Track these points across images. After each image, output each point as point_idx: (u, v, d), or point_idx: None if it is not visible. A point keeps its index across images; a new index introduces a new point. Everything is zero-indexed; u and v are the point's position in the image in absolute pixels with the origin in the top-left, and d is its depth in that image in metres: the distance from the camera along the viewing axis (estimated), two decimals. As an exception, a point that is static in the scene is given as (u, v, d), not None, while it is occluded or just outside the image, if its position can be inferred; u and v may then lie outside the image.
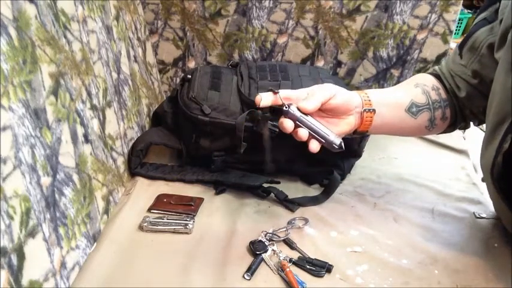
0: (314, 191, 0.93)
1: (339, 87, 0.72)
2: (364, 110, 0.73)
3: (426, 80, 0.82)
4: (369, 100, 0.73)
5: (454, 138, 1.10)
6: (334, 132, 0.69)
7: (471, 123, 0.84)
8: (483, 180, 0.79)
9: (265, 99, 0.68)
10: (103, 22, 0.87)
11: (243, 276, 0.69)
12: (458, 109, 0.81)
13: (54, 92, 0.64)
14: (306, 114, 0.67)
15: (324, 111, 0.70)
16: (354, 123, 0.73)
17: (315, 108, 0.67)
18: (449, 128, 0.84)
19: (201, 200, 0.89)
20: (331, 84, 0.72)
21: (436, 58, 1.24)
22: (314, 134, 0.68)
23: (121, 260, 0.73)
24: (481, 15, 0.75)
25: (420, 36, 1.21)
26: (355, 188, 0.95)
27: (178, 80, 1.32)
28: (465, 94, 0.77)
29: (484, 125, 0.75)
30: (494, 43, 0.69)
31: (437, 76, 0.83)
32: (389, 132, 0.82)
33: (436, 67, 0.85)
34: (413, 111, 0.78)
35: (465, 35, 0.78)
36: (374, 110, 0.73)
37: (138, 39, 1.12)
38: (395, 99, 0.78)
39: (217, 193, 0.92)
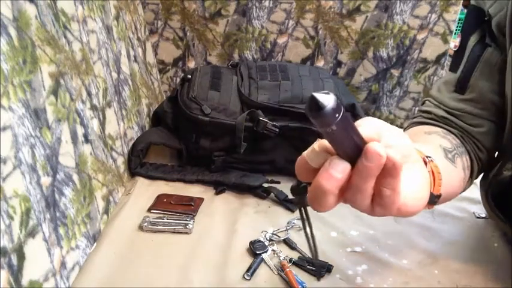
0: (314, 191, 0.93)
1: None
2: (427, 158, 0.50)
3: (427, 127, 0.69)
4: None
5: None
6: (415, 192, 0.44)
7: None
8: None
9: None
10: (103, 22, 0.86)
11: (243, 276, 0.69)
12: (474, 154, 0.68)
13: (54, 92, 0.64)
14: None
15: None
16: (429, 178, 0.48)
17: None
18: (469, 182, 0.69)
19: (201, 200, 0.89)
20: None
21: (436, 58, 1.24)
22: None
23: (121, 260, 0.73)
24: (471, 38, 0.68)
25: (420, 36, 1.21)
26: (355, 188, 0.94)
27: (178, 80, 1.32)
28: (487, 128, 0.67)
29: None
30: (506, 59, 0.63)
31: (431, 124, 0.70)
32: (447, 196, 0.58)
33: (422, 118, 0.71)
34: (450, 158, 0.60)
35: (461, 72, 0.68)
36: (432, 158, 0.51)
37: (138, 39, 1.12)
38: (430, 148, 0.56)
39: (217, 193, 0.92)
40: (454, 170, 0.60)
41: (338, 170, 0.36)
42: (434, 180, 0.49)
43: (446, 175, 0.53)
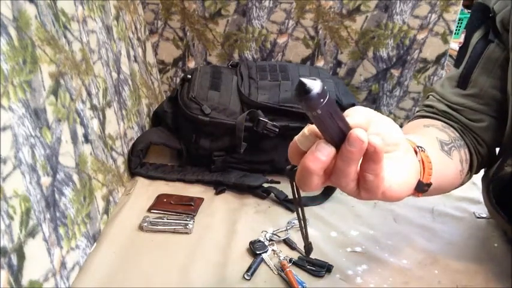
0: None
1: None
2: (418, 147, 0.50)
3: (427, 120, 0.70)
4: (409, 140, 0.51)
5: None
6: (401, 178, 0.44)
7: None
8: None
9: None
10: (103, 22, 0.86)
11: (243, 276, 0.69)
12: (474, 148, 0.69)
13: (54, 92, 0.64)
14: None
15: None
16: (418, 167, 0.48)
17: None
18: (468, 175, 0.69)
19: (201, 200, 0.89)
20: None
21: (436, 58, 1.24)
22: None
23: (121, 260, 0.73)
24: (475, 34, 0.69)
25: (420, 36, 1.21)
26: (355, 188, 0.94)
27: (178, 80, 1.32)
28: (487, 123, 0.67)
29: None
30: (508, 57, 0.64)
31: (432, 118, 0.71)
32: (441, 187, 0.60)
33: (424, 112, 0.73)
34: (446, 150, 0.61)
35: (463, 68, 0.69)
36: (423, 148, 0.51)
37: (138, 39, 1.12)
38: (426, 140, 0.57)
39: (217, 193, 0.92)
40: (449, 162, 0.61)
41: (323, 153, 0.38)
42: (424, 169, 0.50)
43: (440, 166, 0.54)
